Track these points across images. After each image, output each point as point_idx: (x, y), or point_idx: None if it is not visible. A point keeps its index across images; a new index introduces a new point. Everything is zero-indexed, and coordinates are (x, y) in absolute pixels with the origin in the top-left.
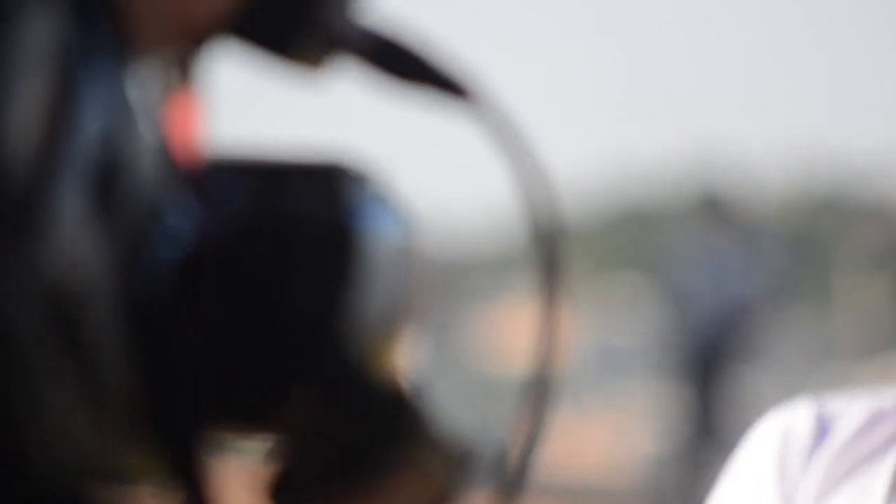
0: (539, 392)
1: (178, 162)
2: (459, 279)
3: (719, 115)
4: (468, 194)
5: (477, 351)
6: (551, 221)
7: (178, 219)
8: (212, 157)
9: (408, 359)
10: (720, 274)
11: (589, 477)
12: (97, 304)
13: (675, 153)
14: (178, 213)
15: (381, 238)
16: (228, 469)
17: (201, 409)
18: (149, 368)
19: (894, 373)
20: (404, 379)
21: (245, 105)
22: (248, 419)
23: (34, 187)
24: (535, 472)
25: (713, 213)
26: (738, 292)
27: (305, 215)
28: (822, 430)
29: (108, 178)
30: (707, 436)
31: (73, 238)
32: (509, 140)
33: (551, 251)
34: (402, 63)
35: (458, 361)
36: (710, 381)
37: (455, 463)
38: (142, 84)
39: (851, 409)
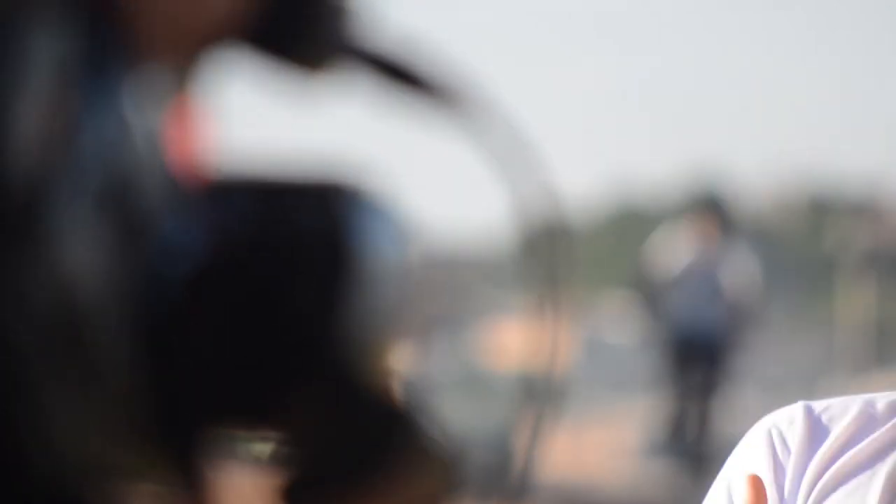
0: (540, 395)
1: (180, 174)
2: (470, 281)
3: (716, 117)
4: (475, 196)
5: (485, 352)
6: (550, 226)
7: (185, 232)
8: (216, 173)
9: (410, 362)
10: (712, 276)
11: (582, 480)
12: (100, 307)
13: (673, 155)
14: (184, 226)
15: (375, 251)
16: (237, 474)
17: (205, 407)
18: (155, 370)
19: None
20: (399, 384)
21: (250, 112)
22: (250, 416)
23: (36, 193)
24: (534, 476)
25: (708, 213)
26: (729, 294)
27: (303, 231)
28: (816, 433)
29: (109, 186)
30: (700, 438)
31: (75, 243)
32: (505, 145)
33: (550, 257)
34: (395, 70)
35: (467, 362)
36: (704, 383)
37: (446, 468)
38: (146, 93)
39: (844, 413)
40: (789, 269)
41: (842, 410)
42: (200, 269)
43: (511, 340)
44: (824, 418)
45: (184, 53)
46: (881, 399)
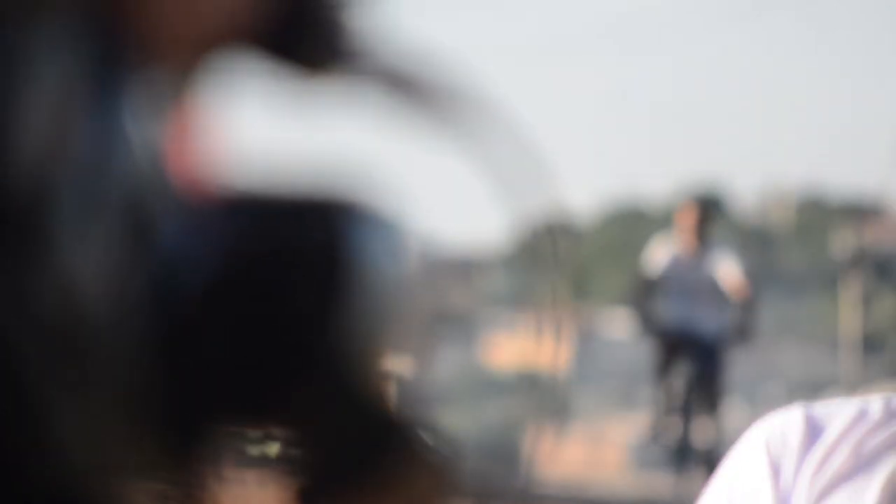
0: (545, 396)
1: (181, 179)
2: (476, 285)
3: (717, 119)
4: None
5: (491, 355)
6: (553, 228)
7: (191, 243)
8: (219, 185)
9: (416, 367)
10: (702, 274)
11: (574, 481)
12: (101, 310)
13: (674, 155)
14: (189, 238)
15: (373, 264)
16: (240, 472)
17: (209, 406)
18: (160, 371)
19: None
20: (395, 390)
21: (252, 118)
22: (252, 415)
23: (39, 198)
24: (538, 476)
25: (700, 212)
26: (720, 291)
27: (303, 247)
28: (813, 434)
29: (111, 192)
30: (691, 438)
31: (77, 247)
32: (508, 149)
33: (551, 259)
34: (399, 76)
35: (473, 365)
36: (697, 379)
37: (440, 471)
38: (149, 98)
39: (841, 415)
40: (782, 271)
41: (838, 413)
42: (206, 279)
43: (515, 344)
44: (821, 421)
45: (186, 58)
46: (877, 401)
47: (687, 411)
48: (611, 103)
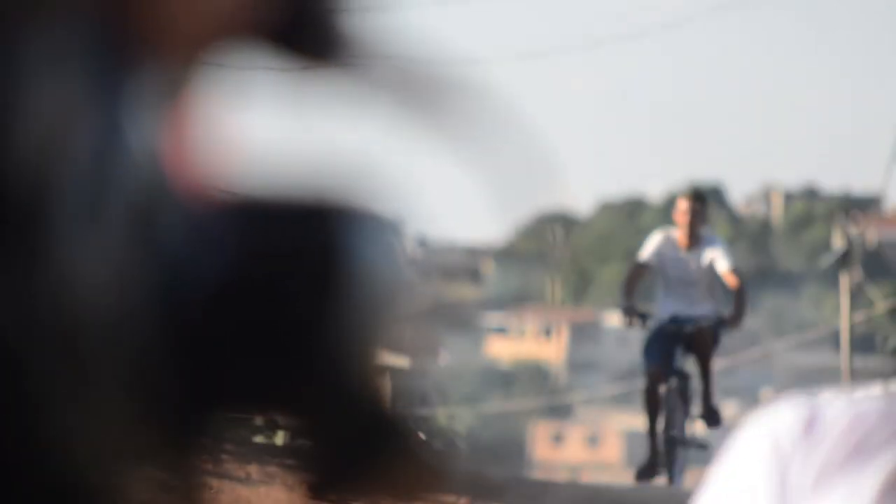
0: (544, 388)
1: (178, 177)
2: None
3: (716, 116)
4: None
5: (493, 347)
6: (553, 222)
7: (192, 245)
8: (218, 186)
9: (419, 360)
10: (695, 264)
11: (573, 473)
12: (100, 306)
13: (674, 152)
14: (191, 240)
15: (369, 266)
16: (253, 471)
17: (213, 397)
18: (163, 366)
19: None
20: (389, 387)
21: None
22: (255, 407)
23: (39, 200)
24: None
25: (693, 203)
26: (711, 282)
27: (301, 249)
28: (811, 429)
29: (109, 191)
30: (685, 423)
31: (76, 247)
32: (510, 143)
33: (551, 252)
34: (400, 72)
35: (476, 357)
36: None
37: (431, 466)
38: (147, 95)
39: (838, 409)
40: (779, 267)
41: (837, 407)
42: (208, 279)
43: (517, 340)
44: (819, 415)
45: (187, 54)
46: (875, 395)
47: (680, 402)
48: (611, 103)
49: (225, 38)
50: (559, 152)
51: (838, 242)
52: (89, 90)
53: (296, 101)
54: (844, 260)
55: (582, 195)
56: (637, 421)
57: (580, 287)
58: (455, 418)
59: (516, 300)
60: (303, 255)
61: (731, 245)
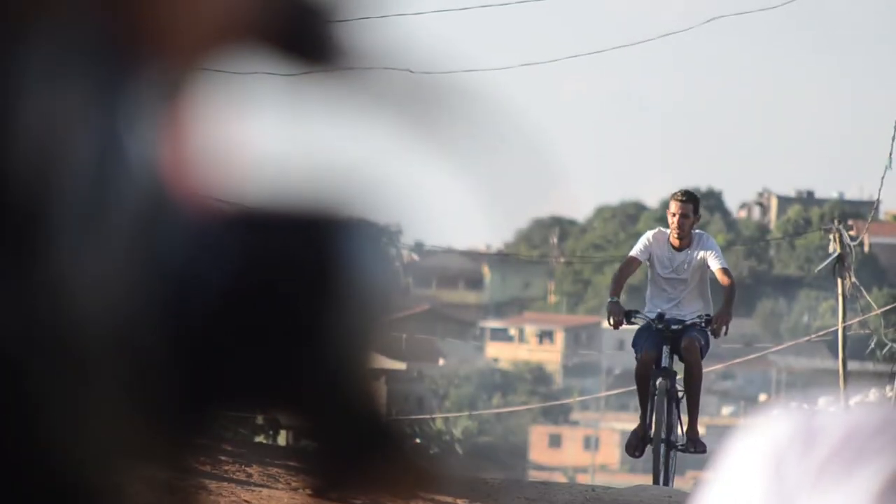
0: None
1: (176, 182)
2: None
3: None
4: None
5: (493, 351)
6: (555, 224)
7: (201, 256)
8: (216, 194)
9: (416, 364)
10: (687, 264)
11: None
12: (96, 308)
13: (674, 154)
14: (193, 248)
15: (365, 274)
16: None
17: (214, 400)
18: (164, 367)
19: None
20: (383, 390)
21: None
22: (256, 403)
23: (38, 203)
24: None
25: (685, 204)
26: (703, 282)
27: (298, 258)
28: (810, 433)
29: (108, 194)
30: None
31: (74, 250)
32: (511, 146)
33: (552, 254)
34: (401, 76)
35: (476, 360)
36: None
37: (421, 467)
38: (146, 98)
39: (837, 414)
40: (776, 271)
41: (835, 412)
42: (208, 285)
43: (516, 344)
44: (818, 420)
45: (187, 57)
46: (873, 400)
47: (669, 404)
48: (609, 109)
49: (226, 44)
50: (558, 158)
51: (833, 247)
52: (90, 93)
53: (296, 107)
54: (840, 265)
55: (580, 200)
56: (634, 424)
57: (578, 291)
58: (453, 422)
59: (515, 305)
60: (301, 262)
61: (728, 250)
